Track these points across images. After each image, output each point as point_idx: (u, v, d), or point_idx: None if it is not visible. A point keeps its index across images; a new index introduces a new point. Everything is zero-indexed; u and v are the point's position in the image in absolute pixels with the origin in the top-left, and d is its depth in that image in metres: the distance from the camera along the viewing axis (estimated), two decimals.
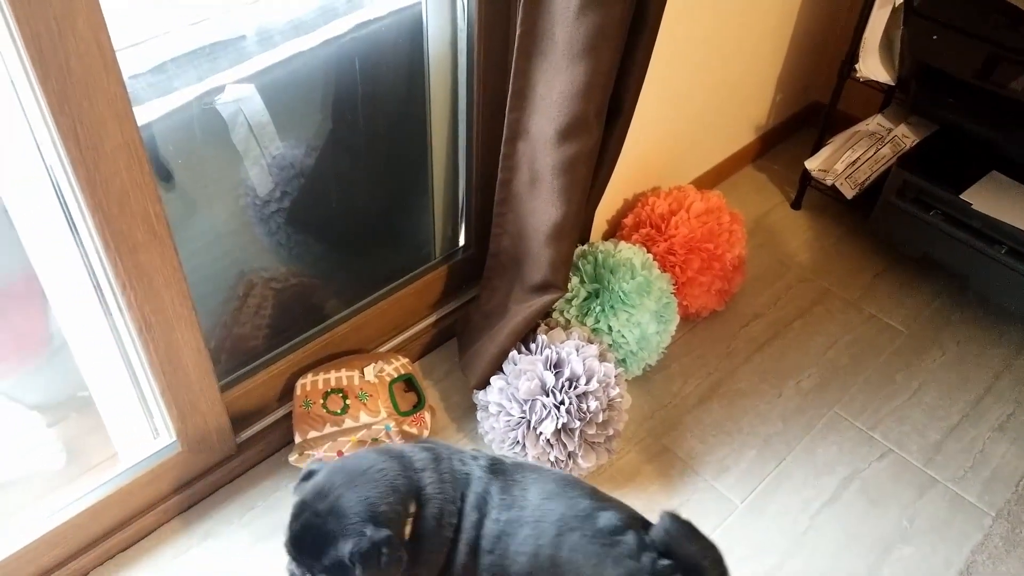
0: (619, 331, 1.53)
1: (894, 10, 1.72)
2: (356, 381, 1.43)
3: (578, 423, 1.36)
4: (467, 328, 1.58)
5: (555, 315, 1.56)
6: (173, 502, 1.36)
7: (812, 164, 1.99)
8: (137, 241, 1.06)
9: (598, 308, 1.54)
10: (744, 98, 2.04)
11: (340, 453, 1.39)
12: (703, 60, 1.78)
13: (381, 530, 0.93)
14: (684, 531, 1.00)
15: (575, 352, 1.40)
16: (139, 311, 1.12)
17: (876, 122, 1.93)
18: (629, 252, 1.58)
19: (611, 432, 1.41)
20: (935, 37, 1.65)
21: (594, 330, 1.54)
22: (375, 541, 0.92)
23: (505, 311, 1.46)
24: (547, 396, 1.37)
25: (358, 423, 1.39)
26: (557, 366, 1.39)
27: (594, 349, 1.42)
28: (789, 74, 2.15)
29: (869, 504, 1.51)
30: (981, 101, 1.67)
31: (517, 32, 1.20)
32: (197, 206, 1.32)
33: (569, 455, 1.39)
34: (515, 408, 1.38)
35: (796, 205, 2.13)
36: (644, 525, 1.05)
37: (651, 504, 1.48)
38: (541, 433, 1.36)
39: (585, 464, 1.40)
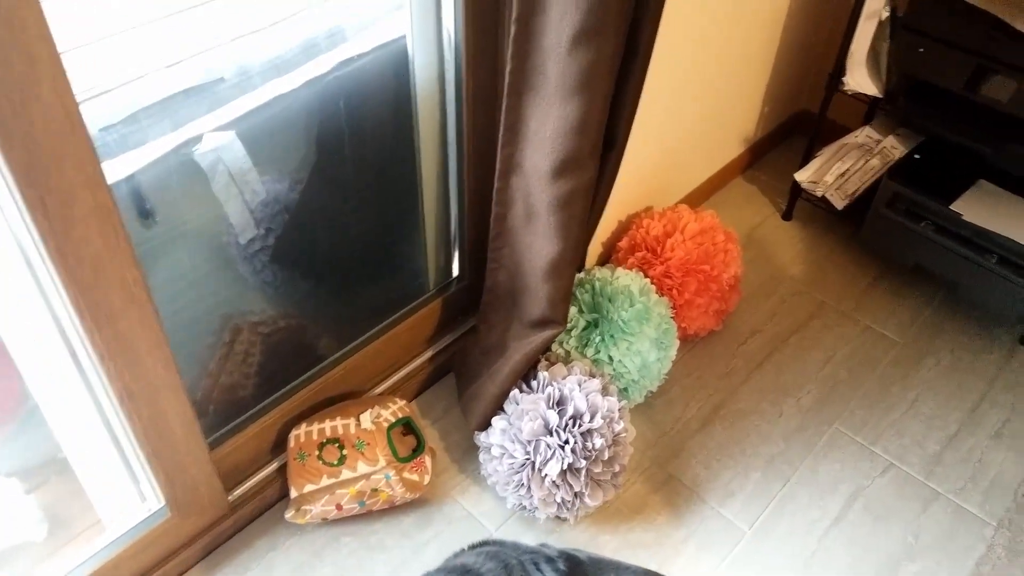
0: (620, 360, 1.50)
1: (880, 23, 1.70)
2: (352, 429, 1.38)
3: (584, 462, 1.33)
4: (465, 366, 1.54)
5: (554, 346, 1.53)
6: (161, 572, 1.30)
7: (802, 176, 1.97)
8: (114, 309, 1.01)
9: (598, 338, 1.51)
10: (732, 111, 2.02)
11: (339, 507, 1.35)
12: (692, 77, 1.75)
13: None
14: None
15: (578, 388, 1.37)
16: (120, 381, 1.06)
17: (865, 134, 1.92)
18: (627, 279, 1.55)
19: (617, 468, 1.38)
20: (922, 50, 1.64)
21: (594, 361, 1.51)
22: None
23: (504, 348, 1.42)
24: (551, 436, 1.33)
25: (356, 473, 1.34)
26: (560, 403, 1.36)
27: (596, 383, 1.38)
28: (777, 86, 2.13)
29: (874, 521, 1.50)
30: (968, 112, 1.66)
31: (508, 68, 1.16)
32: (176, 252, 1.26)
33: (576, 495, 1.35)
34: (518, 450, 1.34)
35: (787, 216, 2.12)
36: None
37: (660, 537, 1.45)
38: (547, 475, 1.33)
39: (592, 503, 1.37)
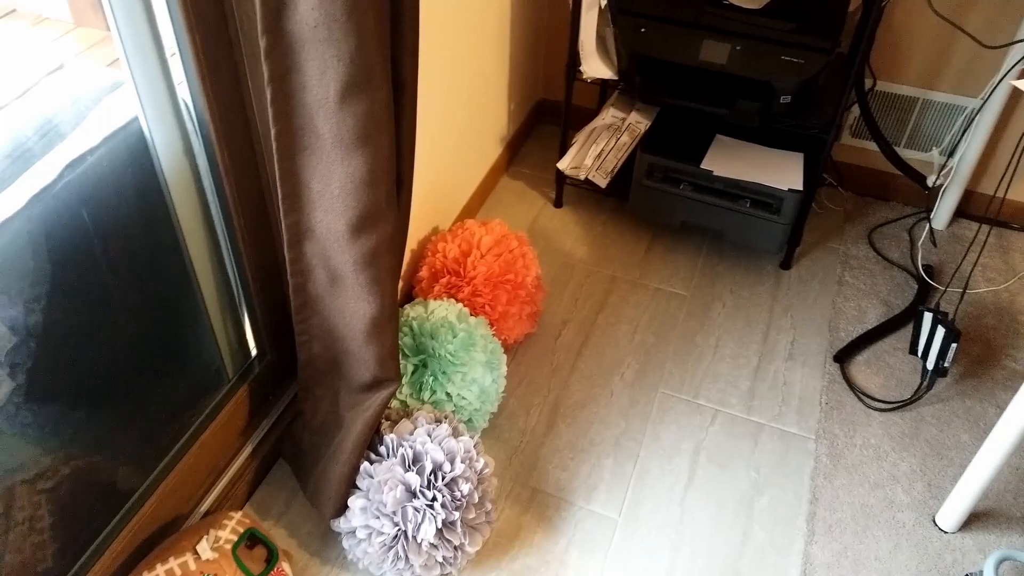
0: (458, 394, 1.46)
1: (600, 11, 1.79)
2: (192, 566, 1.20)
3: (457, 513, 1.27)
4: (299, 453, 1.40)
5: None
6: None
7: (563, 164, 2.04)
8: None
9: (431, 378, 1.45)
10: (485, 116, 2.04)
11: None
12: (444, 95, 1.73)
13: None
14: None
15: (429, 439, 1.30)
16: None
17: (610, 114, 2.03)
18: (442, 310, 1.51)
19: (488, 506, 1.34)
20: (643, 30, 1.76)
21: (433, 403, 1.45)
22: None
23: (339, 422, 1.31)
24: (417, 498, 1.26)
25: None
26: (416, 461, 1.29)
27: (446, 428, 1.33)
28: (517, 82, 2.18)
29: (720, 469, 1.61)
30: (689, 77, 1.81)
31: (272, 132, 1.05)
32: None
33: (456, 548, 1.30)
34: (386, 524, 1.25)
35: (558, 204, 2.19)
36: None
37: (543, 555, 1.44)
38: (423, 539, 1.25)
39: (473, 549, 1.32)
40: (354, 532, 1.29)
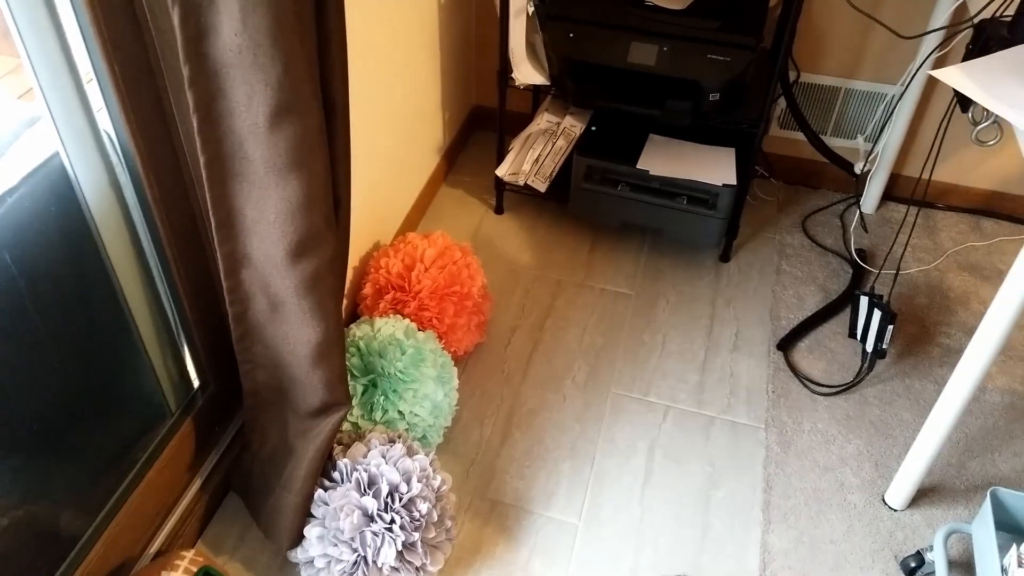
0: (411, 412, 1.44)
1: (528, 18, 1.80)
2: None
3: (416, 534, 1.26)
4: (249, 484, 1.37)
5: None
6: None
7: (502, 171, 2.04)
8: None
9: (381, 397, 1.43)
10: (420, 127, 2.03)
11: None
12: (375, 110, 1.71)
13: None
14: None
15: (383, 461, 1.28)
16: None
17: (545, 119, 2.04)
18: (389, 327, 1.49)
19: (448, 523, 1.33)
20: (572, 35, 1.77)
21: (386, 423, 1.43)
22: None
23: (290, 450, 1.29)
24: (375, 522, 1.24)
25: None
26: (372, 484, 1.27)
27: (400, 447, 1.31)
28: (448, 91, 2.17)
29: (676, 465, 1.63)
30: (620, 79, 1.83)
31: (201, 160, 1.02)
32: None
33: (418, 569, 1.28)
34: (345, 551, 1.23)
35: (499, 211, 2.19)
36: None
37: (506, 566, 1.44)
38: (383, 564, 1.23)
39: (435, 568, 1.31)
40: (312, 562, 1.26)
